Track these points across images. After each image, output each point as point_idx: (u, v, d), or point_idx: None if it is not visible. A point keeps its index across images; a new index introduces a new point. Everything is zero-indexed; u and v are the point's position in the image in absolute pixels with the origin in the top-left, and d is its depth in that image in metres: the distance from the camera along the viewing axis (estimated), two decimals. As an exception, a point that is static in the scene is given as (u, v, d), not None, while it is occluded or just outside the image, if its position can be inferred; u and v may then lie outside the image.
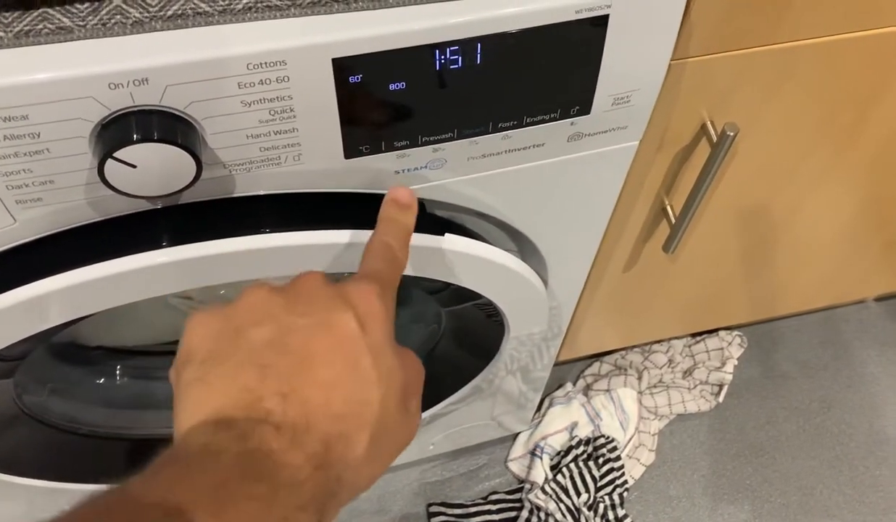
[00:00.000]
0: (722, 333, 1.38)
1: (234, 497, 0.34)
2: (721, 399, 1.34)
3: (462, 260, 0.66)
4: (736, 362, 1.37)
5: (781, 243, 1.04)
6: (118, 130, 0.46)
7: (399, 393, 0.43)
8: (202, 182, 0.52)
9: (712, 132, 0.73)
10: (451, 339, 0.89)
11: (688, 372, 1.36)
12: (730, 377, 1.34)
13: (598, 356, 1.35)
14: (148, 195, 0.50)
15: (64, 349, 0.81)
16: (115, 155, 0.46)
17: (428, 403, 0.97)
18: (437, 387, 0.95)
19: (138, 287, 0.57)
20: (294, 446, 0.37)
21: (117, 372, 0.87)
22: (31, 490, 0.84)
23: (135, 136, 0.46)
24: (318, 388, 0.39)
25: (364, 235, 0.57)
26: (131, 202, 0.53)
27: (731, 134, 0.70)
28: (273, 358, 0.40)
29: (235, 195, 0.56)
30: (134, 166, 0.47)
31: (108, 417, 0.86)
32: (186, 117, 0.48)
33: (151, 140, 0.46)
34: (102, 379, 0.87)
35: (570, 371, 1.36)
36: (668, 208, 0.85)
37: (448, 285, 0.69)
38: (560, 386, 1.32)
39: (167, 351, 0.88)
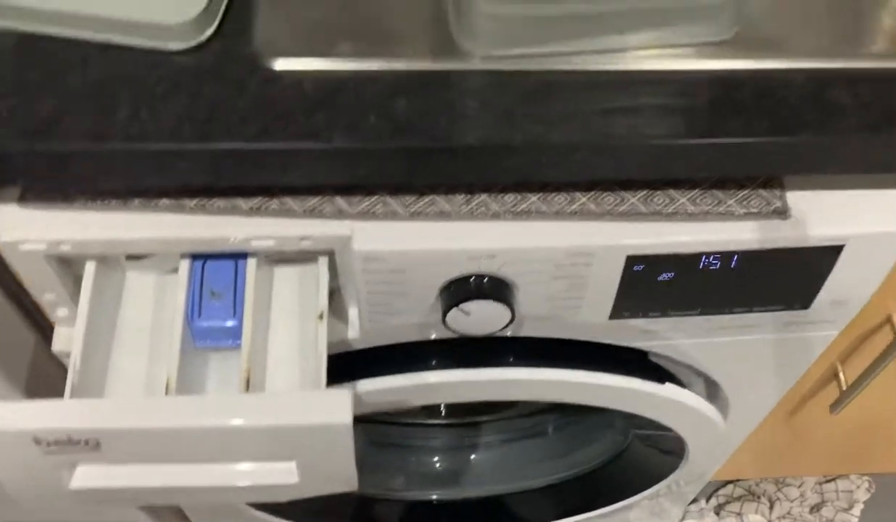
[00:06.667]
0: (852, 476, 1.45)
1: None
2: (845, 540, 1.40)
3: (673, 406, 0.79)
4: (862, 506, 1.43)
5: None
6: (462, 288, 0.61)
7: None
8: (502, 325, 0.67)
9: (897, 324, 0.83)
10: (631, 456, 1.02)
11: (815, 508, 1.42)
12: (856, 521, 1.40)
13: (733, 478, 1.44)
14: (470, 333, 0.65)
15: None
16: (460, 306, 0.61)
17: (593, 506, 1.09)
18: (610, 491, 1.08)
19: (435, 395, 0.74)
20: None
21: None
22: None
23: (474, 294, 0.61)
24: None
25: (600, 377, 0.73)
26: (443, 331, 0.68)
27: (916, 331, 0.80)
28: None
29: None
30: (468, 313, 0.62)
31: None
32: (511, 282, 0.63)
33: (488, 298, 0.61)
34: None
35: (704, 487, 1.44)
36: (841, 374, 0.94)
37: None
38: (694, 501, 1.41)
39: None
